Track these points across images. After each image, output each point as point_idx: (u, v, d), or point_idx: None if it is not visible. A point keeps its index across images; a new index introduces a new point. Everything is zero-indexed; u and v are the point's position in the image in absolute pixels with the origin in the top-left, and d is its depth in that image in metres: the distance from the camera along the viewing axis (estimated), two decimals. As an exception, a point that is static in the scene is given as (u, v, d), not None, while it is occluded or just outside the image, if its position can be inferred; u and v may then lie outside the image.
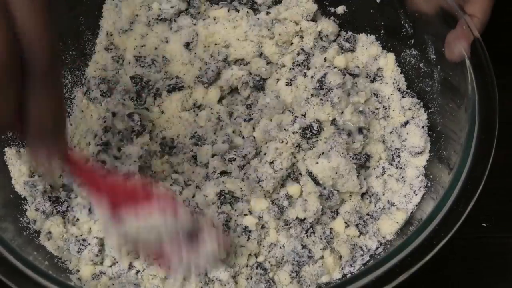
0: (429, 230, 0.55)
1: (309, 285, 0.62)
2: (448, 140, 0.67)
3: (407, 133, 0.70)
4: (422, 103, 0.72)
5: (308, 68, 0.74)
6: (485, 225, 0.73)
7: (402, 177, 0.69)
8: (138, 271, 0.63)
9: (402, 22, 0.74)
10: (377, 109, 0.72)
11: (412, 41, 0.73)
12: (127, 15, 0.77)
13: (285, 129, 0.68)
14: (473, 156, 0.59)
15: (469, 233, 0.67)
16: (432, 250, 0.54)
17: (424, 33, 0.71)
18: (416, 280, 0.55)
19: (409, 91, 0.74)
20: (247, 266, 0.63)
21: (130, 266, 0.63)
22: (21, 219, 0.65)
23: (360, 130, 0.69)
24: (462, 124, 0.62)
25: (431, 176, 0.67)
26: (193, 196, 0.66)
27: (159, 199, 0.51)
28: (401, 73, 0.75)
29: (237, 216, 0.64)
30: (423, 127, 0.70)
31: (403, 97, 0.73)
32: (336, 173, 0.64)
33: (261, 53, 0.76)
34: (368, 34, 0.78)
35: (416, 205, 0.66)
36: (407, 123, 0.71)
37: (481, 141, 0.59)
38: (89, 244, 0.63)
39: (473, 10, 0.67)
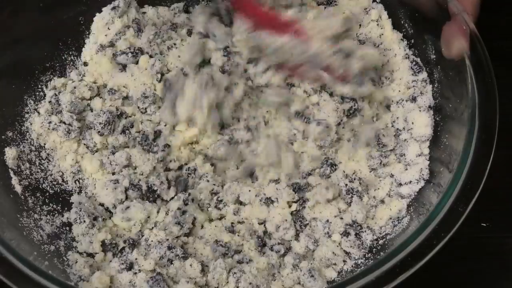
0: (429, 230, 0.55)
1: None
2: (448, 140, 0.67)
3: (412, 122, 0.70)
4: (428, 79, 0.72)
5: None
6: (485, 225, 0.73)
7: (404, 155, 0.70)
8: (135, 273, 0.63)
9: (402, 22, 0.74)
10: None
11: (412, 41, 0.73)
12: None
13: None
14: (473, 156, 0.59)
15: (469, 233, 0.67)
16: (432, 250, 0.54)
17: (424, 33, 0.71)
18: (416, 280, 0.55)
19: (417, 60, 0.73)
20: None
21: (129, 268, 0.63)
22: (21, 219, 0.65)
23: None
24: (462, 124, 0.62)
25: (432, 174, 0.67)
26: None
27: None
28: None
29: None
30: (429, 107, 0.70)
31: (411, 68, 0.73)
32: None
33: None
34: None
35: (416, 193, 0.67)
36: (414, 99, 0.71)
37: (481, 141, 0.59)
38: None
39: (463, 5, 0.67)
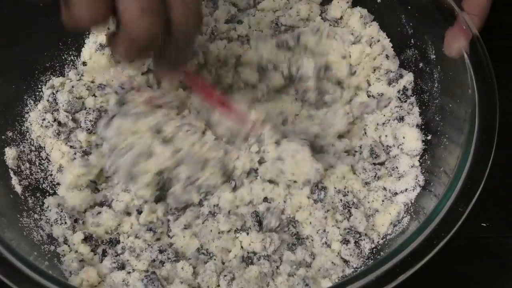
0: (429, 230, 0.55)
1: None
2: (448, 140, 0.67)
3: (403, 137, 0.70)
4: (415, 101, 0.73)
5: None
6: (485, 225, 0.73)
7: (396, 168, 0.70)
8: (129, 272, 0.63)
9: (402, 22, 0.74)
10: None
11: (412, 41, 0.73)
12: None
13: None
14: (473, 156, 0.59)
15: (469, 233, 0.67)
16: (432, 250, 0.54)
17: (424, 33, 0.71)
18: (416, 280, 0.54)
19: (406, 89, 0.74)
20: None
21: (122, 268, 0.63)
22: (21, 219, 0.64)
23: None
24: (462, 124, 0.62)
25: (431, 176, 0.67)
26: None
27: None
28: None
29: None
30: (417, 125, 0.71)
31: (398, 97, 0.74)
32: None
33: None
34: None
35: (412, 201, 0.67)
36: (402, 119, 0.72)
37: (481, 141, 0.59)
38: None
39: (471, 7, 0.67)
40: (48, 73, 0.76)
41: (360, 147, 0.71)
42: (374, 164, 0.70)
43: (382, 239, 0.66)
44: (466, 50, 0.64)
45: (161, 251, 0.64)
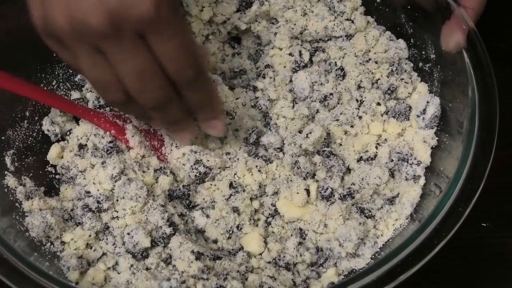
0: (429, 230, 0.55)
1: None
2: (448, 140, 0.67)
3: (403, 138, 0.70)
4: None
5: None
6: (485, 225, 0.73)
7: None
8: (134, 273, 0.63)
9: (402, 22, 0.74)
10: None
11: (412, 41, 0.73)
12: None
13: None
14: (473, 156, 0.59)
15: (469, 233, 0.67)
16: (432, 250, 0.54)
17: (424, 33, 0.71)
18: (416, 280, 0.55)
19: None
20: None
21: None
22: (21, 220, 0.64)
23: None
24: (462, 124, 0.62)
25: (431, 176, 0.67)
26: None
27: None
28: None
29: None
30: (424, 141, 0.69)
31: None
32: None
33: None
34: None
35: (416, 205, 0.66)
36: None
37: (481, 141, 0.59)
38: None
39: (468, 1, 0.67)
40: (48, 74, 0.76)
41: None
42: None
43: (383, 239, 0.66)
44: (463, 44, 0.64)
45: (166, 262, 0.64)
